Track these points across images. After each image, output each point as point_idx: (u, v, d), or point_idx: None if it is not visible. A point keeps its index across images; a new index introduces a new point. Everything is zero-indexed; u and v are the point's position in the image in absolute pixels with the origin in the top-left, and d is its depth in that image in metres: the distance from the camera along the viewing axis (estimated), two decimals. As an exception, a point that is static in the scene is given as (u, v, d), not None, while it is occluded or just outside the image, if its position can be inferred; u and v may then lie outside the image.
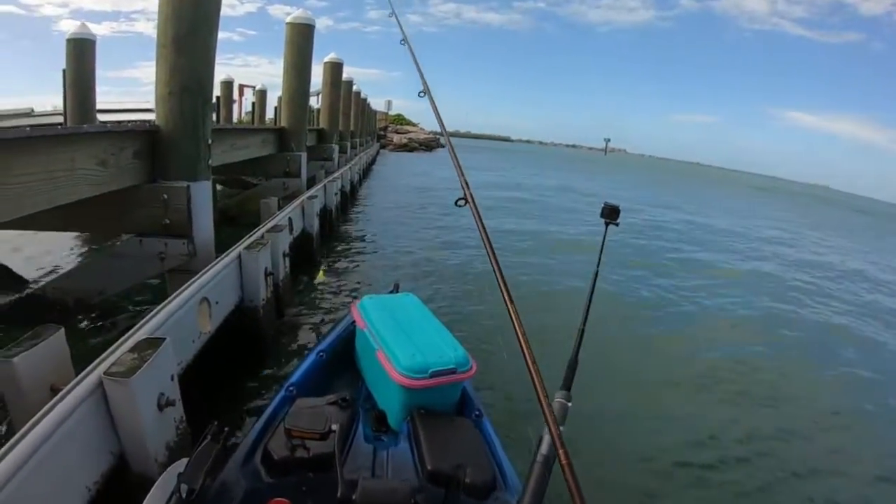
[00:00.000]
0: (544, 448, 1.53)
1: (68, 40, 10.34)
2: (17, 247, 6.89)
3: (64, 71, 10.73)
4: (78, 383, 2.27)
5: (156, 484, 1.78)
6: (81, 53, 10.45)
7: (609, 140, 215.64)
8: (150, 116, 5.05)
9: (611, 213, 2.22)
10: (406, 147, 56.14)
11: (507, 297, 1.75)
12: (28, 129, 3.48)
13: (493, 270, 1.87)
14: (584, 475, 1.21)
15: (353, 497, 1.70)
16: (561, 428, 1.53)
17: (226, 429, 1.91)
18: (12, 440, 1.88)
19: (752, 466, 4.29)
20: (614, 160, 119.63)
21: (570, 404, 1.69)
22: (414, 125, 74.23)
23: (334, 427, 2.03)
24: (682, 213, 23.59)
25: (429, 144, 61.55)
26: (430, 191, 21.38)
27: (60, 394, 2.20)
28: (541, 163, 62.55)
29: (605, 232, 2.22)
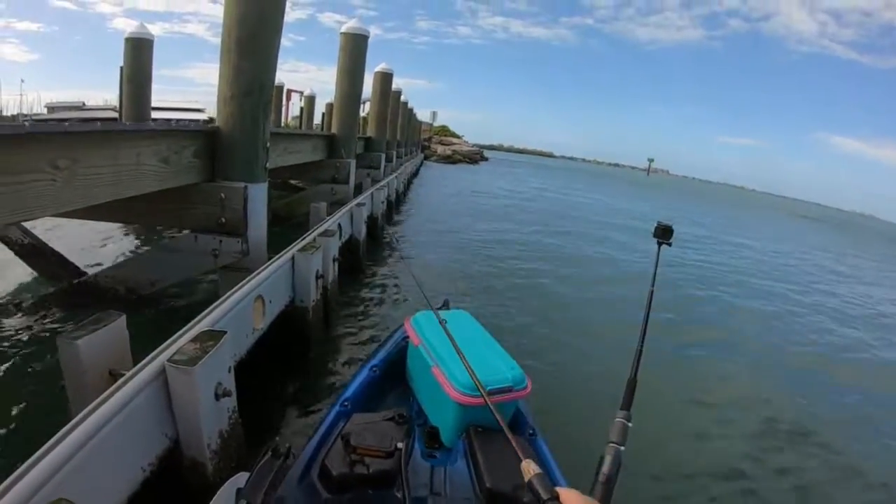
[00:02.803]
0: (605, 467, 1.52)
1: (127, 39, 10.68)
2: (69, 240, 7.09)
3: (121, 68, 11.05)
4: (140, 369, 2.34)
5: (215, 496, 1.83)
6: (139, 52, 10.80)
7: (652, 160, 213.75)
8: (200, 116, 5.18)
9: (664, 234, 2.20)
10: (450, 159, 56.27)
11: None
12: (98, 124, 3.61)
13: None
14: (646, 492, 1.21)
15: None
16: (622, 448, 1.52)
17: (288, 445, 1.92)
18: (77, 418, 1.95)
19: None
20: (657, 181, 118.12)
21: (630, 424, 1.67)
22: (458, 137, 74.49)
23: (400, 445, 2.07)
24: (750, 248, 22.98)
25: (472, 157, 61.71)
26: (474, 201, 21.50)
27: (124, 378, 2.27)
28: (592, 182, 61.79)
29: (659, 252, 2.20)
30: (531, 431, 2.79)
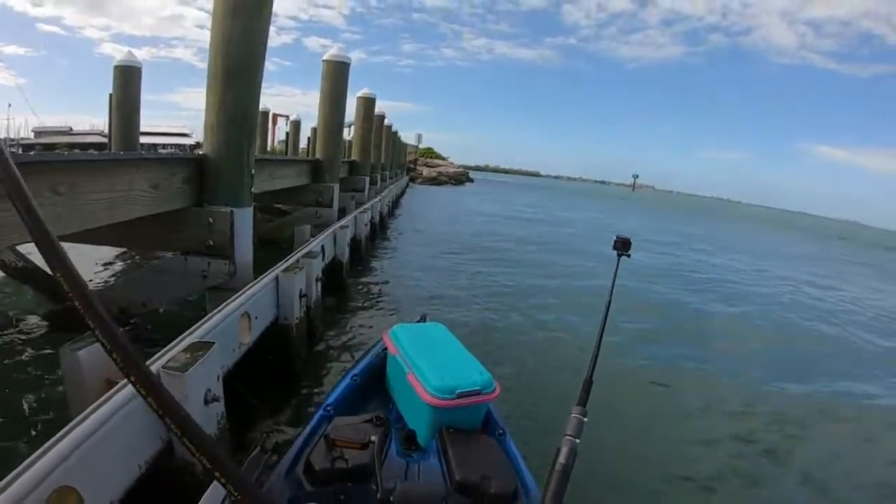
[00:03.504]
0: (562, 458, 1.75)
1: (116, 66, 10.76)
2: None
3: (110, 95, 11.20)
4: None
5: (210, 487, 1.98)
6: (128, 79, 10.89)
7: (637, 176, 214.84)
8: (186, 140, 5.41)
9: (623, 246, 2.39)
10: (435, 181, 56.51)
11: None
12: (94, 153, 3.89)
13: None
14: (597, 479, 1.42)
15: (392, 499, 1.88)
16: (577, 440, 1.77)
17: (275, 441, 2.14)
18: (79, 417, 2.19)
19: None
20: (642, 197, 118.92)
21: (585, 419, 1.87)
22: (443, 159, 74.83)
23: (373, 438, 2.28)
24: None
25: (458, 178, 62.01)
26: (456, 224, 21.84)
27: (121, 384, 2.50)
28: (574, 200, 62.13)
29: (618, 263, 2.38)
30: (501, 432, 2.99)
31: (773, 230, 55.47)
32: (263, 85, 5.47)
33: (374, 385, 3.46)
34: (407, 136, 53.54)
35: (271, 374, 4.74)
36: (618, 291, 2.20)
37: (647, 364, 7.04)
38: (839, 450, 5.45)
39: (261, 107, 5.84)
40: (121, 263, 8.58)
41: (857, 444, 5.63)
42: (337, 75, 10.75)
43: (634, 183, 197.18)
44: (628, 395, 5.73)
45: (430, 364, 2.94)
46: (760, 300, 13.22)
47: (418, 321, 4.14)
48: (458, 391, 2.77)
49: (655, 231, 30.62)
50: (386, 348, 3.41)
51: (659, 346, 7.98)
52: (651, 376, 6.63)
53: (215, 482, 1.98)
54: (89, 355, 2.73)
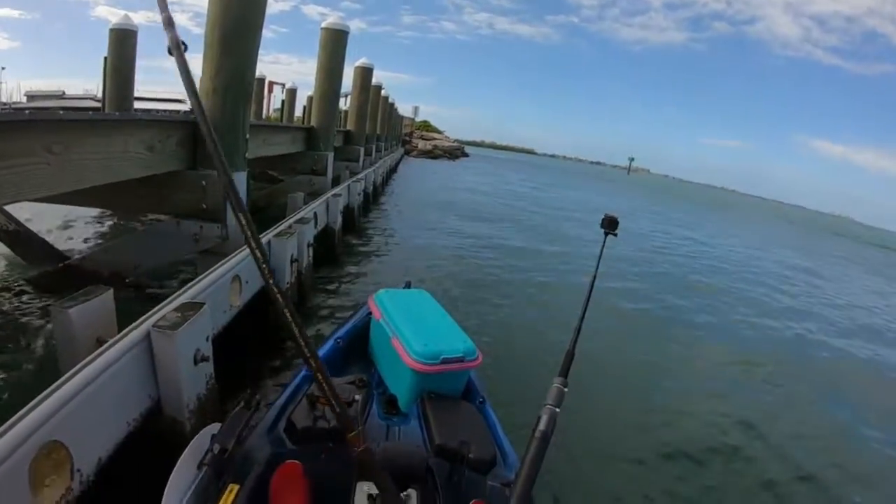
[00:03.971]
0: (542, 425, 1.81)
1: (111, 30, 10.69)
2: (53, 227, 7.31)
3: (105, 58, 11.11)
4: (127, 334, 2.62)
5: (191, 443, 2.02)
6: (123, 43, 10.82)
7: (633, 159, 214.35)
8: (182, 107, 5.38)
9: (610, 224, 2.41)
10: (430, 154, 56.34)
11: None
12: (91, 113, 3.90)
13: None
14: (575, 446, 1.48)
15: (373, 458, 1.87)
16: (557, 409, 1.83)
17: (258, 398, 2.18)
18: (69, 373, 2.21)
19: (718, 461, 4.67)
20: (636, 180, 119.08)
21: (566, 389, 1.91)
22: (440, 132, 74.48)
23: (357, 397, 2.33)
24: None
25: (453, 153, 61.80)
26: (448, 197, 22.02)
27: (111, 341, 2.53)
28: (567, 180, 62.08)
29: (605, 241, 2.42)
30: (481, 399, 3.04)
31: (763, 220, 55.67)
32: (260, 52, 5.47)
33: (358, 349, 3.49)
34: (404, 109, 53.32)
35: (262, 337, 4.77)
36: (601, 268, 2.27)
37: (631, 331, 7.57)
38: (818, 421, 5.78)
39: (257, 74, 5.84)
40: (112, 227, 8.56)
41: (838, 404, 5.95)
42: (335, 44, 10.68)
43: (630, 166, 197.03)
44: (610, 367, 5.99)
45: (415, 330, 2.97)
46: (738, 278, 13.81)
47: (403, 288, 4.17)
48: (441, 357, 2.81)
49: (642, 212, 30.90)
50: (370, 313, 3.43)
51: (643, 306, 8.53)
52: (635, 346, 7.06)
53: (202, 432, 2.05)
54: (80, 314, 2.76)
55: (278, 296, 1.64)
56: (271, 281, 1.65)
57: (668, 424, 5.02)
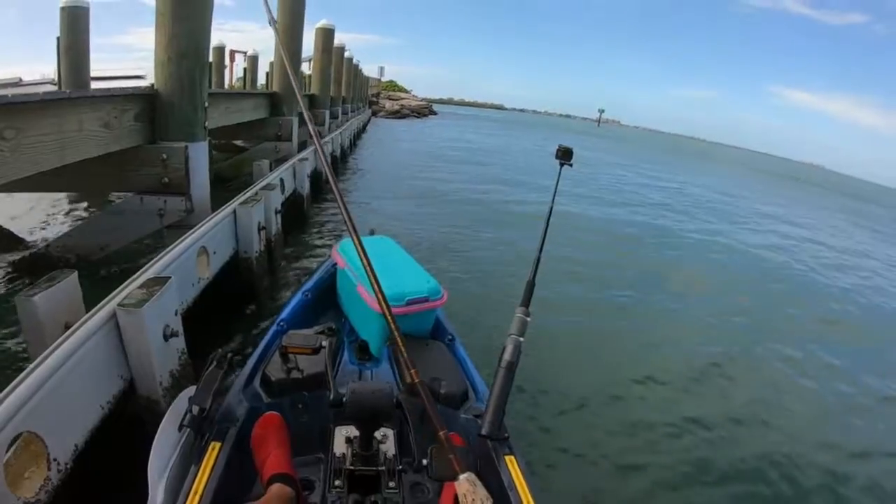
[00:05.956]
0: (507, 355, 1.87)
1: (62, 8, 10.30)
2: (16, 215, 7.18)
3: (58, 38, 10.79)
4: (93, 315, 2.58)
5: (170, 407, 2.05)
6: (75, 21, 10.49)
7: (603, 111, 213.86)
8: (141, 83, 5.28)
9: (564, 155, 2.47)
10: (398, 114, 55.85)
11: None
12: (41, 93, 3.82)
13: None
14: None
15: (344, 400, 1.91)
16: (521, 338, 1.89)
17: (229, 354, 2.20)
18: (36, 361, 2.17)
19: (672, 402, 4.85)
20: (605, 131, 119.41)
21: (528, 319, 2.00)
22: (406, 92, 73.74)
23: (324, 343, 2.30)
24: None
25: (420, 112, 61.30)
26: (414, 151, 22.65)
27: (77, 323, 2.49)
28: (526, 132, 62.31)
29: (560, 171, 2.47)
30: (450, 337, 3.09)
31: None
32: (220, 21, 5.38)
33: (326, 300, 3.52)
34: (370, 70, 52.63)
35: (233, 308, 4.77)
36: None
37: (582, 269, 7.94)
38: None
39: (218, 43, 5.74)
40: (74, 210, 8.35)
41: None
42: (293, 5, 10.53)
43: (600, 118, 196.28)
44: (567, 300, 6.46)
45: (379, 274, 2.99)
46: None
47: (367, 235, 4.21)
48: (406, 299, 2.84)
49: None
50: (335, 263, 3.46)
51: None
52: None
53: (179, 396, 2.06)
54: (45, 300, 2.71)
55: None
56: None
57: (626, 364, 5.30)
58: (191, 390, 2.08)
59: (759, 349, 6.16)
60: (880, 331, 7.99)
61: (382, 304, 1.72)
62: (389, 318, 1.70)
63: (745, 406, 4.78)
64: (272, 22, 2.90)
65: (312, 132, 2.09)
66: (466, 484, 1.34)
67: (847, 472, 4.06)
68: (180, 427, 1.94)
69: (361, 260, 1.87)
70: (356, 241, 1.87)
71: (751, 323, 7.05)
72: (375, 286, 1.80)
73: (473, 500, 1.31)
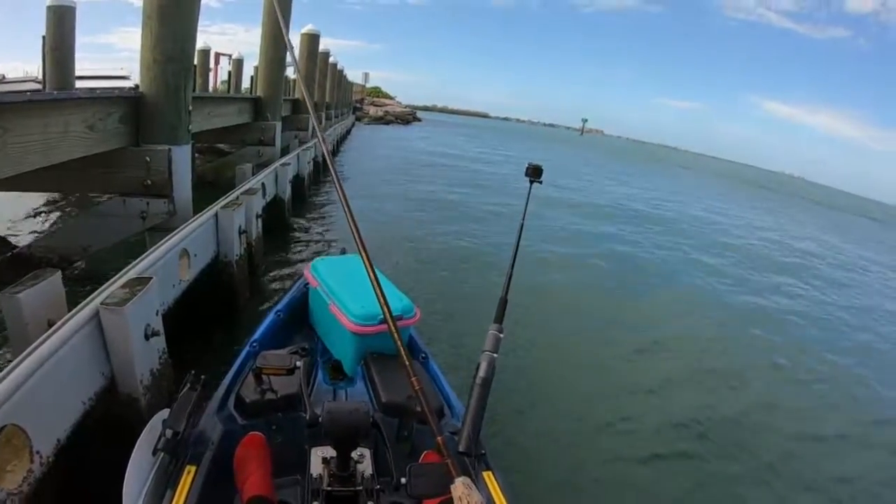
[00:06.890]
0: (482, 371, 1.89)
1: (48, 7, 10.21)
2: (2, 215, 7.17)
3: (44, 37, 10.72)
4: (75, 314, 2.63)
5: (144, 429, 2.02)
6: (61, 20, 10.37)
7: (586, 121, 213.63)
8: (125, 83, 5.29)
9: (534, 173, 2.46)
10: (382, 120, 55.83)
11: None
12: (28, 94, 3.85)
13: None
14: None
15: (319, 420, 1.89)
16: (495, 355, 1.94)
17: (202, 377, 2.21)
18: (20, 357, 2.22)
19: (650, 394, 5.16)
20: (589, 141, 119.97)
21: (502, 335, 2.00)
22: (391, 98, 73.76)
23: (298, 364, 2.34)
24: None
25: (405, 118, 61.34)
26: (396, 160, 22.52)
27: (60, 322, 2.54)
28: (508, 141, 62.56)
29: (530, 189, 2.45)
30: (423, 355, 3.13)
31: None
32: (206, 23, 5.45)
33: (299, 320, 3.53)
34: (354, 75, 52.55)
35: (214, 311, 4.80)
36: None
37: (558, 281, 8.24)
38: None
39: (203, 45, 5.79)
40: (56, 211, 8.36)
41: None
42: (279, 9, 10.45)
43: (583, 127, 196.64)
44: (541, 311, 6.57)
45: (351, 294, 2.99)
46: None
47: (339, 254, 4.27)
48: (379, 318, 2.77)
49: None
50: (308, 283, 3.47)
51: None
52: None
53: (153, 418, 2.10)
54: (29, 297, 2.77)
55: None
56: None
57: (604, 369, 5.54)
58: (164, 413, 2.08)
59: (742, 367, 6.30)
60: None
61: (388, 317, 1.76)
62: (393, 329, 1.73)
63: (728, 432, 4.82)
64: (295, 68, 2.95)
65: (319, 133, 2.13)
66: (462, 487, 1.30)
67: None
68: (155, 451, 1.94)
69: (369, 275, 1.89)
70: (360, 245, 1.90)
71: (730, 341, 7.26)
72: (382, 300, 1.81)
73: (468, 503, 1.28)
